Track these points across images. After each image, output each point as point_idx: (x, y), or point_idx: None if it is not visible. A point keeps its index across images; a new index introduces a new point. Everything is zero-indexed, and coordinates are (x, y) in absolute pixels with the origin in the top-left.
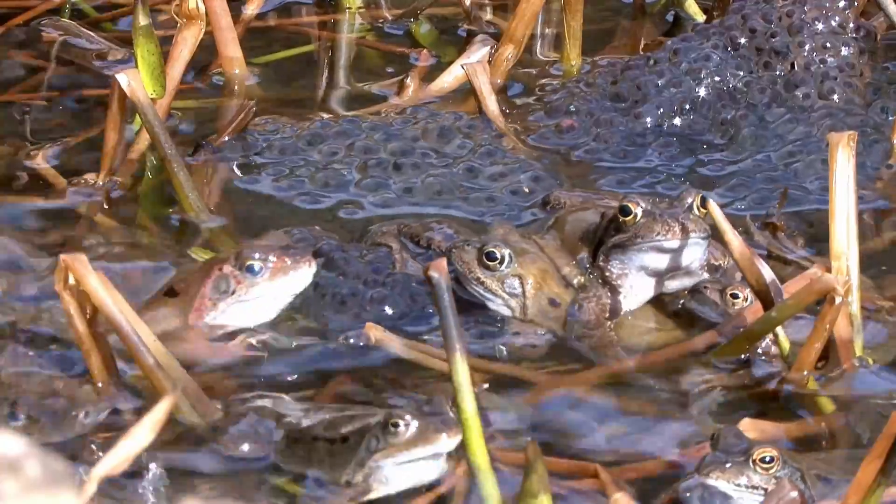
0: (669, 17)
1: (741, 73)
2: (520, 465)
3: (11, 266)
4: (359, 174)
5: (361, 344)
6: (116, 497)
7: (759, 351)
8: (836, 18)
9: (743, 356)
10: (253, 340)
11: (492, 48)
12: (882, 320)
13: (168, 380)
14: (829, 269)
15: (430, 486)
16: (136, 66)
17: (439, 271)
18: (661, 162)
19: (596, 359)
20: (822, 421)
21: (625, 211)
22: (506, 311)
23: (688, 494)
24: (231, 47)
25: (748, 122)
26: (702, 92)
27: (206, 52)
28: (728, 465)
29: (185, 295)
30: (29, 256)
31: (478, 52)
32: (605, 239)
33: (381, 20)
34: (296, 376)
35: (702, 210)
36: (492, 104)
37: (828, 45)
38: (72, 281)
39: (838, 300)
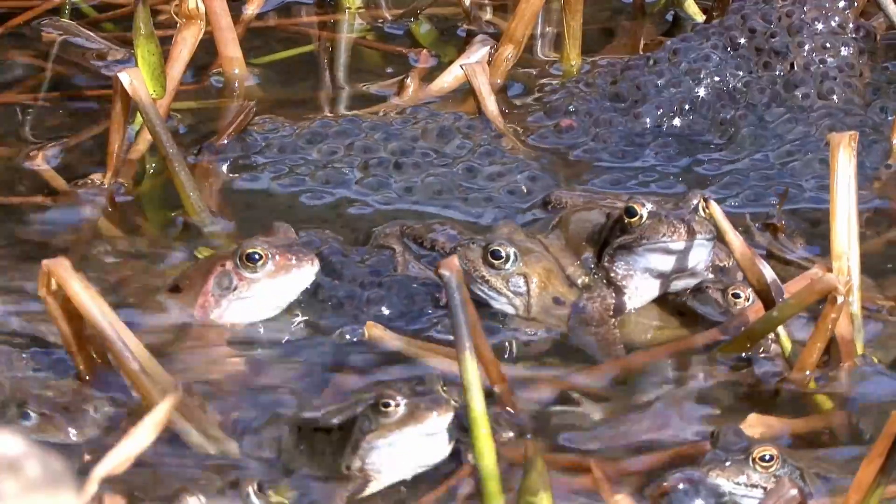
0: (669, 17)
1: (741, 74)
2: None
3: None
4: (360, 173)
5: (356, 340)
6: None
7: (761, 350)
8: (836, 18)
9: (744, 355)
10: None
11: (491, 48)
12: (883, 320)
13: (153, 384)
14: (829, 269)
15: (435, 483)
16: (137, 66)
17: (451, 269)
18: (659, 162)
19: (598, 357)
20: (828, 417)
21: (630, 212)
22: (510, 310)
23: (680, 487)
24: (231, 47)
25: (747, 122)
26: (701, 92)
27: (206, 53)
28: (728, 464)
29: (188, 291)
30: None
31: (477, 53)
32: (611, 240)
33: (380, 20)
34: (295, 375)
35: (707, 211)
36: (491, 104)
37: (827, 45)
38: (54, 286)
39: (840, 300)
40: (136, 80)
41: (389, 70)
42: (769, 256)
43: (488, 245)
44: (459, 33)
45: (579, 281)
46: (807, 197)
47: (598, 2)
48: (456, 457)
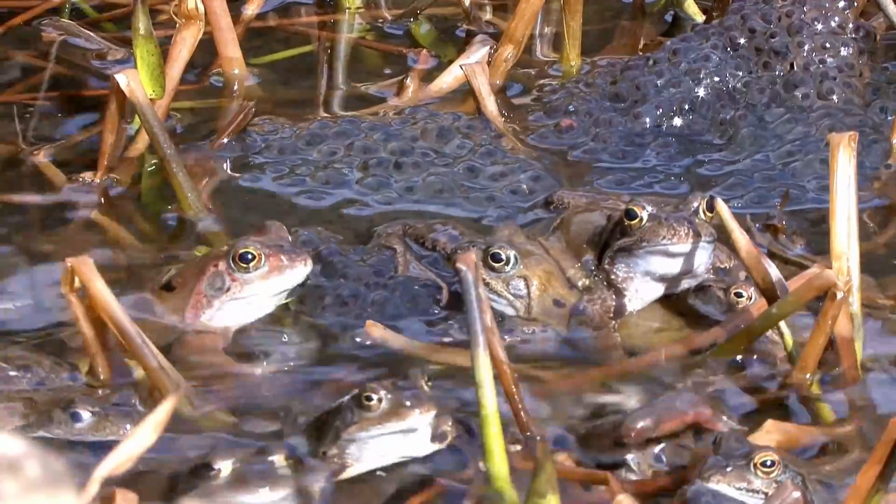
0: (669, 18)
1: (740, 74)
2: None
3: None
4: (359, 173)
5: (358, 339)
6: None
7: (762, 348)
8: (836, 19)
9: (745, 353)
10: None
11: (491, 48)
12: (884, 319)
13: (172, 382)
14: (829, 268)
15: (436, 478)
16: (136, 67)
17: (467, 264)
18: (659, 162)
19: (598, 360)
20: (843, 423)
21: (630, 214)
22: (510, 312)
23: (696, 500)
24: (230, 47)
25: (747, 123)
26: (701, 92)
27: (206, 53)
28: (729, 469)
29: (181, 291)
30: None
31: (477, 53)
32: (611, 242)
33: (380, 20)
34: (294, 374)
35: (707, 214)
36: (490, 104)
37: (827, 45)
38: (77, 284)
39: (839, 296)
40: (133, 81)
41: (389, 70)
42: (770, 256)
43: (488, 248)
44: (459, 33)
45: (580, 283)
46: (807, 197)
47: (597, 2)
48: (458, 455)
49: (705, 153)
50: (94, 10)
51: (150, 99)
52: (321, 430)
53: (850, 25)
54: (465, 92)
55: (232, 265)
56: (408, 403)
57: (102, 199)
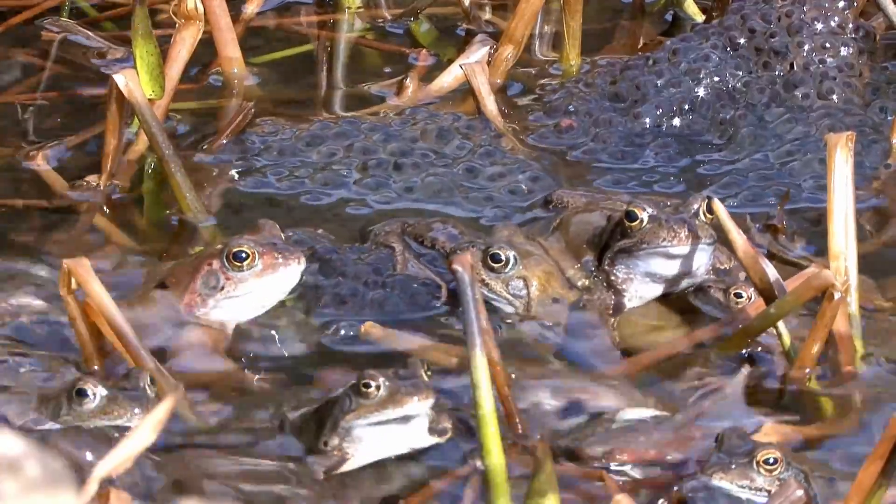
0: (668, 17)
1: (740, 73)
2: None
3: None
4: (359, 174)
5: (353, 334)
6: None
7: (761, 348)
8: (836, 19)
9: (744, 352)
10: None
11: (491, 48)
12: (882, 320)
13: (168, 383)
14: (827, 268)
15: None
16: (135, 67)
17: (463, 265)
18: (658, 162)
19: (595, 360)
20: (840, 422)
21: (631, 216)
22: (510, 310)
23: (692, 495)
24: (230, 47)
25: (747, 122)
26: (701, 92)
27: (205, 52)
28: (732, 467)
29: (175, 289)
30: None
31: (477, 52)
32: (611, 243)
33: (380, 20)
34: (290, 372)
35: (708, 215)
36: (490, 104)
37: (827, 45)
38: (74, 285)
39: (837, 296)
40: (132, 81)
41: (389, 70)
42: (769, 257)
43: (488, 248)
44: (459, 33)
45: (579, 283)
46: (806, 197)
47: (597, 1)
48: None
49: (705, 153)
50: (94, 9)
51: (150, 99)
52: (321, 420)
53: (850, 25)
54: (465, 91)
55: (226, 264)
56: (406, 391)
57: (105, 202)
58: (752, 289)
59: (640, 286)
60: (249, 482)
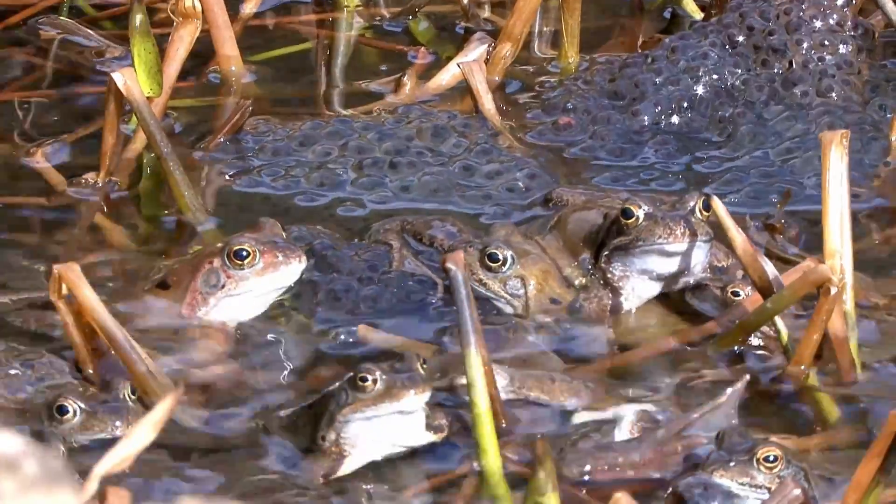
0: (667, 15)
1: (739, 71)
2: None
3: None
4: (354, 173)
5: (352, 340)
6: None
7: (758, 344)
8: (835, 16)
9: (741, 348)
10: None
11: (489, 46)
12: (878, 318)
13: (161, 384)
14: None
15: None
16: (133, 65)
17: (456, 263)
18: (657, 160)
19: (592, 358)
20: (839, 426)
21: (627, 213)
22: (508, 310)
23: (689, 491)
24: (228, 45)
25: (746, 120)
26: (700, 90)
27: (204, 51)
28: (732, 464)
29: (176, 288)
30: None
31: (475, 50)
32: (607, 241)
33: (378, 18)
34: (288, 372)
35: (704, 213)
36: (488, 102)
37: (826, 42)
38: (65, 290)
39: (833, 290)
40: (130, 79)
41: (387, 68)
42: (767, 255)
43: (485, 248)
44: (457, 31)
45: (576, 282)
46: (806, 195)
47: None
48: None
49: (704, 151)
50: (92, 7)
51: (148, 97)
52: (316, 416)
53: (849, 23)
54: (464, 89)
55: (227, 262)
56: (402, 384)
57: (104, 200)
58: (750, 287)
59: (636, 284)
60: (247, 485)
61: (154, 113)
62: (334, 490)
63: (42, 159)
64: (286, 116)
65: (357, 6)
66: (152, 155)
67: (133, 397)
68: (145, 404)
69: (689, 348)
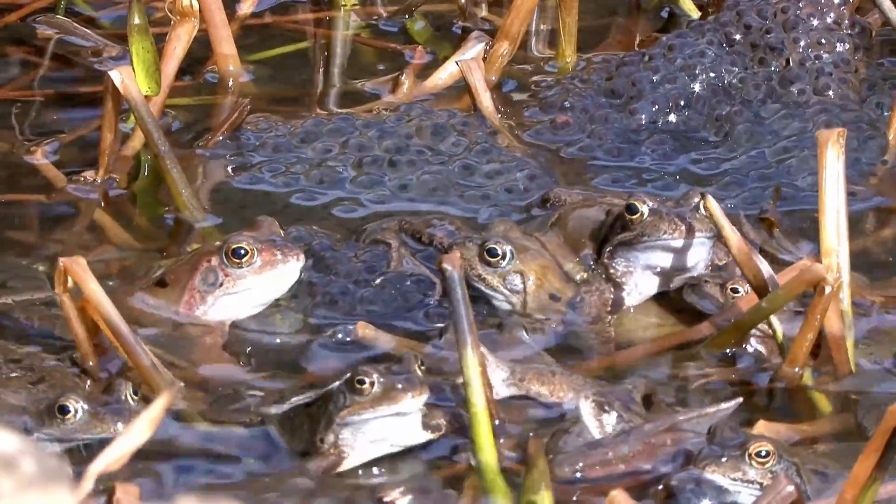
0: (664, 14)
1: (736, 70)
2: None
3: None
4: (354, 171)
5: (349, 339)
6: None
7: (754, 343)
8: (832, 14)
9: (736, 348)
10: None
11: (487, 45)
12: (875, 317)
13: (164, 381)
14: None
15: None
16: (131, 64)
17: (452, 264)
18: (654, 159)
19: (591, 354)
20: (833, 419)
21: (631, 209)
22: (506, 308)
23: (681, 486)
24: (225, 44)
25: (743, 119)
26: (697, 88)
27: (201, 49)
28: (724, 459)
29: (174, 287)
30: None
31: (472, 49)
32: (611, 236)
33: (375, 17)
34: (285, 372)
35: (706, 211)
36: (486, 101)
37: (823, 41)
38: (70, 284)
39: (828, 290)
40: (128, 78)
41: (385, 67)
42: (762, 253)
43: (484, 243)
44: (455, 30)
45: (577, 277)
46: (803, 194)
47: None
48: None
49: (701, 150)
50: (90, 6)
51: (146, 96)
52: (314, 417)
53: (846, 21)
54: (461, 88)
55: (225, 260)
56: (400, 387)
57: (103, 198)
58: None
59: (639, 280)
60: (245, 483)
61: (152, 111)
62: (332, 487)
63: (41, 157)
64: (286, 114)
65: (354, 5)
66: (150, 153)
67: (135, 398)
68: (147, 403)
69: (686, 348)
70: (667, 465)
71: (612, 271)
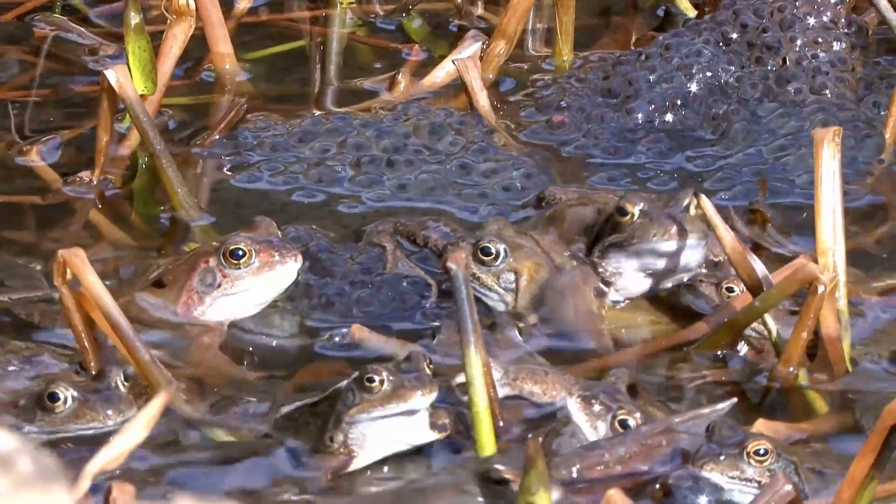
0: (661, 13)
1: (733, 69)
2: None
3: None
4: (352, 171)
5: (346, 341)
6: None
7: (749, 341)
8: (828, 13)
9: (731, 348)
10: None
11: (483, 43)
12: (871, 315)
13: (163, 376)
14: (815, 261)
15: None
16: (127, 63)
17: (457, 263)
18: (651, 158)
19: (573, 328)
20: (832, 417)
21: (622, 212)
22: (500, 307)
23: (678, 485)
24: (222, 43)
25: (740, 117)
26: (693, 87)
27: (197, 48)
28: (722, 458)
29: (172, 287)
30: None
31: (469, 48)
32: (602, 237)
33: (372, 15)
34: (282, 369)
35: (699, 210)
36: (483, 100)
37: (819, 40)
38: (69, 276)
39: (821, 289)
40: (123, 77)
41: (381, 65)
42: (755, 249)
43: (478, 242)
44: (451, 28)
45: (567, 267)
46: (800, 192)
47: None
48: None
49: (697, 149)
50: (86, 5)
51: (142, 95)
52: (323, 417)
53: (843, 20)
54: (458, 87)
55: (223, 261)
56: (409, 385)
57: (98, 198)
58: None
59: (629, 281)
60: (247, 483)
61: (147, 111)
62: (336, 488)
63: (36, 157)
64: (282, 113)
65: (350, 3)
66: (146, 153)
67: (126, 384)
68: (140, 392)
69: (680, 348)
70: (663, 466)
71: (601, 271)
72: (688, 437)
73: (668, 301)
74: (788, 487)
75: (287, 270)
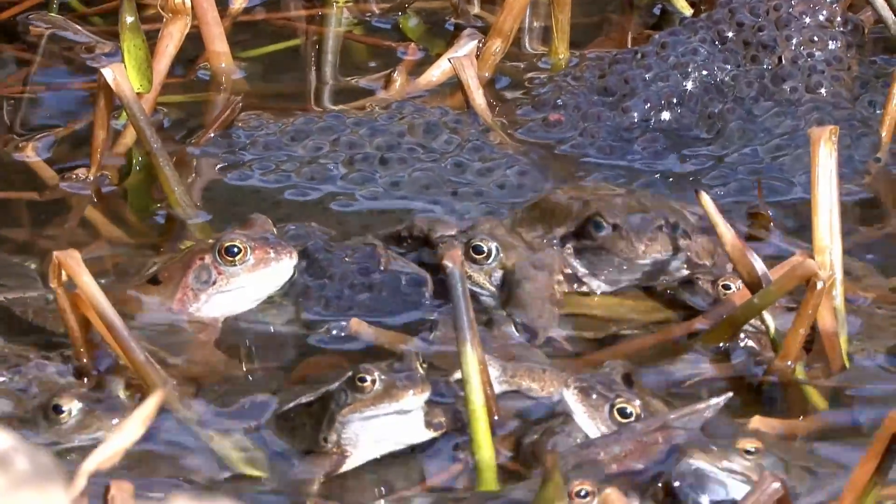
0: (657, 11)
1: (729, 67)
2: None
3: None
4: (345, 169)
5: (343, 334)
6: None
7: (747, 338)
8: (824, 12)
9: (729, 343)
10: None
11: (479, 42)
12: (868, 312)
13: (158, 376)
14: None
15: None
16: (123, 61)
17: (454, 261)
18: (646, 157)
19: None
20: (827, 416)
21: (595, 226)
22: (492, 304)
23: (680, 480)
24: (217, 42)
25: (736, 116)
26: (689, 86)
27: (193, 47)
28: (712, 448)
29: (167, 284)
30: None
31: (465, 46)
32: (577, 239)
33: (368, 14)
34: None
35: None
36: (479, 98)
37: (815, 38)
38: (64, 277)
39: (820, 285)
40: (120, 75)
41: (377, 64)
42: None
43: (470, 240)
44: (447, 27)
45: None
46: (797, 191)
47: None
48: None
49: (693, 147)
50: (82, 4)
51: (138, 93)
52: (316, 416)
53: (838, 19)
54: (454, 85)
55: (218, 258)
56: (401, 384)
57: (95, 195)
58: (741, 281)
59: (600, 282)
60: (244, 482)
61: (144, 108)
62: (333, 487)
63: (33, 154)
64: (277, 112)
65: (346, 2)
66: (142, 150)
67: (127, 393)
68: (140, 399)
69: (677, 344)
70: (659, 463)
71: (573, 268)
72: (684, 433)
73: (664, 297)
74: (776, 485)
75: (282, 267)
